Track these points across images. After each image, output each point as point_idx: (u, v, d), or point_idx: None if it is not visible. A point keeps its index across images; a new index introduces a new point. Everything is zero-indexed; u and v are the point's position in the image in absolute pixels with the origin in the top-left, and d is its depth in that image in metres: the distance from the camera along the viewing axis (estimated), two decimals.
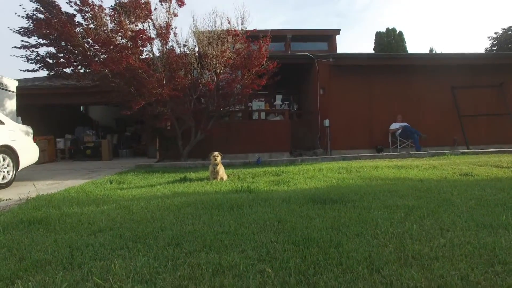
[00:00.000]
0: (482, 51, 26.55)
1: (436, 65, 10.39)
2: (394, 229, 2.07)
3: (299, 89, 12.82)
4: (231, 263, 1.71)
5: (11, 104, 7.64)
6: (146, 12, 7.28)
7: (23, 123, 7.55)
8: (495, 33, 24.74)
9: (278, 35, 14.81)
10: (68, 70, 7.89)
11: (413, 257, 1.65)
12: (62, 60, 7.36)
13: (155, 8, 7.43)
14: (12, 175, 5.43)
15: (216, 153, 5.02)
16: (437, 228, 2.04)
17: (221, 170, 5.07)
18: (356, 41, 62.38)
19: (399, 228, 2.08)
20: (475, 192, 3.05)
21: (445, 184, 3.61)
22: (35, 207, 3.35)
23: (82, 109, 15.41)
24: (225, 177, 5.27)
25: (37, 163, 6.58)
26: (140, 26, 7.58)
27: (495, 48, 24.47)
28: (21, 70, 7.91)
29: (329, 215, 2.49)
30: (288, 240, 1.98)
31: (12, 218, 2.83)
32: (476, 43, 56.03)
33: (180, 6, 7.61)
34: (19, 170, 5.67)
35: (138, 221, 2.63)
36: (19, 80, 8.73)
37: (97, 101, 11.44)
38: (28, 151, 5.97)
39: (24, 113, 8.20)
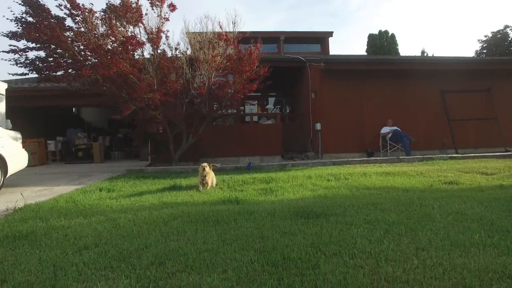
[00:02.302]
0: (473, 53, 27.00)
1: (426, 69, 10.53)
2: (372, 248, 2.13)
3: (292, 91, 12.89)
4: (211, 285, 1.76)
5: (0, 107, 7.57)
6: (137, 17, 7.26)
7: (13, 127, 7.49)
8: (485, 36, 25.19)
9: (271, 37, 14.93)
10: (58, 73, 7.84)
11: (386, 280, 1.72)
12: (52, 64, 7.30)
13: (146, 14, 7.43)
14: (0, 182, 5.40)
15: (205, 164, 5.04)
16: (412, 248, 2.11)
17: (210, 180, 5.09)
18: (349, 41, 62.74)
19: (376, 247, 2.14)
20: (455, 206, 3.14)
21: (428, 196, 3.70)
22: (22, 219, 3.35)
23: (74, 110, 15.28)
24: (214, 182, 5.32)
25: (27, 166, 6.55)
26: (131, 29, 7.58)
27: (484, 51, 24.88)
28: (9, 74, 7.82)
29: (311, 231, 2.54)
30: (268, 260, 2.03)
31: None
32: (466, 45, 56.89)
33: (171, 11, 7.61)
34: (7, 177, 5.64)
35: (124, 236, 2.66)
36: (7, 81, 8.65)
37: (89, 103, 11.38)
38: (17, 158, 5.94)
39: (14, 116, 8.12)
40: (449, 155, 8.66)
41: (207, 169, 4.96)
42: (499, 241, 2.16)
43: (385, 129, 9.82)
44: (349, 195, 4.23)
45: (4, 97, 7.65)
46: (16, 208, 3.93)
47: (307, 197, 4.21)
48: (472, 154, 8.70)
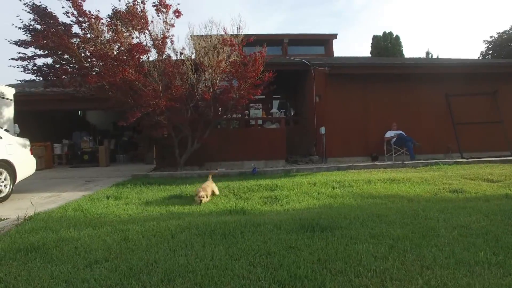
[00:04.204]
0: (478, 54, 26.81)
1: (432, 72, 10.51)
2: (377, 266, 2.16)
3: (296, 94, 12.92)
4: None
5: (9, 112, 7.69)
6: (143, 24, 7.33)
7: (20, 130, 7.62)
8: (491, 37, 24.99)
9: (275, 39, 14.94)
10: (65, 79, 7.93)
11: None
12: (59, 72, 7.40)
13: (152, 21, 7.50)
14: (9, 188, 5.51)
15: (202, 194, 4.81)
16: (417, 266, 2.14)
17: (207, 194, 4.97)
18: (353, 42, 62.53)
19: (381, 265, 2.17)
20: (460, 219, 3.15)
21: (433, 207, 3.71)
22: (33, 229, 3.42)
23: (79, 113, 15.43)
24: (216, 191, 5.33)
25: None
26: (136, 35, 7.66)
27: (490, 52, 24.69)
28: (17, 80, 7.97)
29: (317, 246, 2.58)
30: (275, 277, 2.06)
31: (9, 245, 2.91)
32: (472, 46, 56.42)
33: (177, 17, 7.68)
34: (16, 183, 5.74)
35: (133, 250, 2.71)
36: (14, 85, 8.78)
37: (95, 107, 11.50)
38: (25, 164, 6.04)
39: (21, 120, 8.26)
40: (454, 160, 8.64)
41: (203, 200, 4.82)
42: (504, 260, 2.18)
43: (389, 133, 9.80)
44: (354, 204, 4.25)
45: (12, 102, 7.79)
46: (26, 216, 4.00)
47: (312, 206, 4.24)
48: (478, 159, 8.66)
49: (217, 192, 5.34)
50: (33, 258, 2.61)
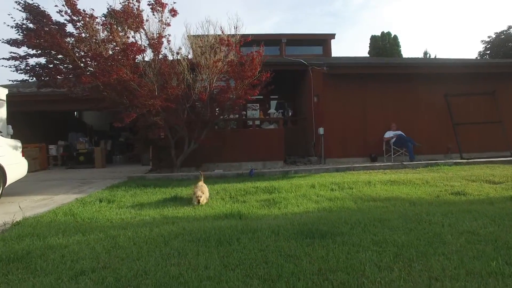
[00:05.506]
0: (476, 54, 26.78)
1: (430, 72, 10.39)
2: (382, 277, 2.02)
3: (294, 94, 12.78)
4: None
5: (1, 112, 7.50)
6: (138, 23, 7.18)
7: (14, 132, 7.43)
8: (488, 37, 25.03)
9: (273, 39, 14.83)
10: (58, 79, 7.76)
11: None
12: (53, 72, 7.23)
13: (147, 20, 7.34)
14: None
15: (199, 193, 4.74)
16: (425, 277, 2.00)
17: (205, 197, 4.87)
18: (352, 42, 62.53)
19: (386, 276, 2.03)
20: (466, 223, 3.02)
21: (437, 211, 3.58)
22: (19, 236, 3.26)
23: (75, 113, 15.24)
24: (207, 195, 5.11)
25: (28, 171, 6.49)
26: (132, 34, 7.50)
27: (488, 52, 24.69)
28: (10, 80, 7.76)
29: (317, 255, 2.44)
30: None
31: None
32: (469, 46, 56.42)
33: (173, 16, 7.53)
34: (6, 186, 5.57)
35: (123, 258, 2.56)
36: (7, 86, 8.60)
37: (90, 107, 11.33)
38: (16, 167, 5.88)
39: (15, 121, 8.06)
40: (454, 161, 8.53)
41: (201, 199, 4.74)
42: None
43: (388, 134, 9.68)
44: (355, 208, 4.11)
45: (4, 102, 7.59)
46: (14, 222, 3.84)
47: (311, 210, 4.10)
48: (478, 160, 8.56)
49: (207, 195, 5.12)
50: (15, 269, 2.45)
